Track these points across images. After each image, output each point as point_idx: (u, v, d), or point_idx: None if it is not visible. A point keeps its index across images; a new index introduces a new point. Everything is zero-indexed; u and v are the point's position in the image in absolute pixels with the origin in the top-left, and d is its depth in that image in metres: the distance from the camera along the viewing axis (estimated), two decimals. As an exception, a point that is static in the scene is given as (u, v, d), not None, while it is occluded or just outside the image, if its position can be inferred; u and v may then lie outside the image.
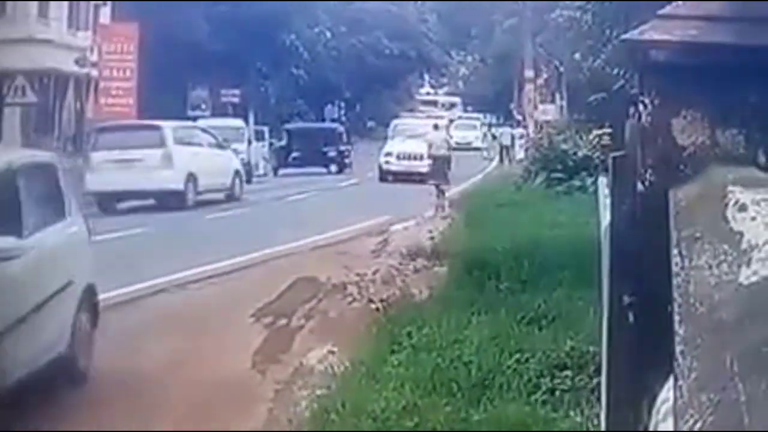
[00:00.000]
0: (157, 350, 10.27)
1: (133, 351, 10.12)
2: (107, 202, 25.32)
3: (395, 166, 38.75)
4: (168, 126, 27.70)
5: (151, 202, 26.21)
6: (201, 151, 27.89)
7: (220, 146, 29.40)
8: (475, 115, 67.07)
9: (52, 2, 40.21)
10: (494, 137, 57.43)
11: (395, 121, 46.16)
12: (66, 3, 41.35)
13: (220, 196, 27.97)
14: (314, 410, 8.01)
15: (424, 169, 32.26)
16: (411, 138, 38.81)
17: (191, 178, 26.45)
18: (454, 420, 7.45)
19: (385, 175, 38.49)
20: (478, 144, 58.46)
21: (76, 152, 31.56)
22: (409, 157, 38.08)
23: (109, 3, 43.36)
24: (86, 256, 9.81)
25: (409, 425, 7.35)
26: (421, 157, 34.40)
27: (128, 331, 11.01)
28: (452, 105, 77.26)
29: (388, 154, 39.51)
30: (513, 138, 47.26)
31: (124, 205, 26.02)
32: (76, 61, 39.82)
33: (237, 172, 29.43)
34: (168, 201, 25.59)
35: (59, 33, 40.28)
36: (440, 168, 27.44)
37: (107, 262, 11.41)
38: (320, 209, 25.43)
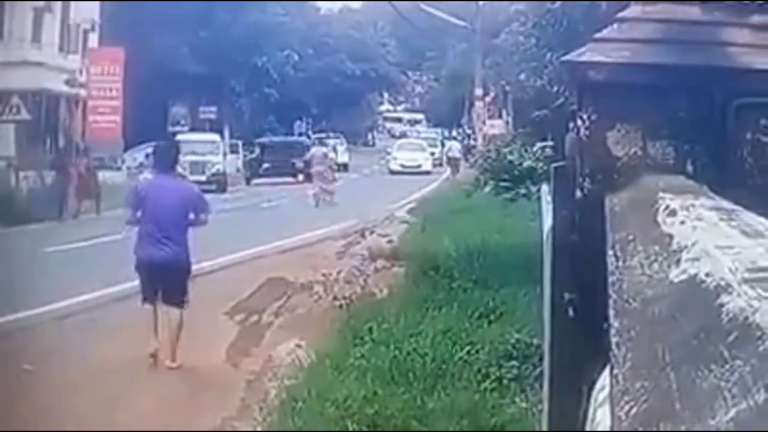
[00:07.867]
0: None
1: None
2: (398, 173, 45.05)
3: None
4: (424, 140, 54.33)
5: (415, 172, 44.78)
6: (434, 150, 51.89)
7: (441, 144, 55.12)
8: (430, 134, 65.44)
9: (44, 28, 39.85)
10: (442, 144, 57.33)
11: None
12: (57, 29, 40.99)
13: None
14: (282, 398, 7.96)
15: None
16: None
17: (434, 163, 48.87)
18: (411, 407, 7.43)
19: None
20: (428, 167, 47.45)
21: (65, 164, 31.29)
22: None
23: (97, 29, 43.06)
24: None
25: (370, 412, 7.32)
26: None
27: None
28: (416, 122, 76.24)
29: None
30: (460, 150, 46.71)
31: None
32: (67, 82, 39.51)
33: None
34: (424, 173, 45.41)
35: (51, 56, 39.88)
36: (455, 165, 43.17)
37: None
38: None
